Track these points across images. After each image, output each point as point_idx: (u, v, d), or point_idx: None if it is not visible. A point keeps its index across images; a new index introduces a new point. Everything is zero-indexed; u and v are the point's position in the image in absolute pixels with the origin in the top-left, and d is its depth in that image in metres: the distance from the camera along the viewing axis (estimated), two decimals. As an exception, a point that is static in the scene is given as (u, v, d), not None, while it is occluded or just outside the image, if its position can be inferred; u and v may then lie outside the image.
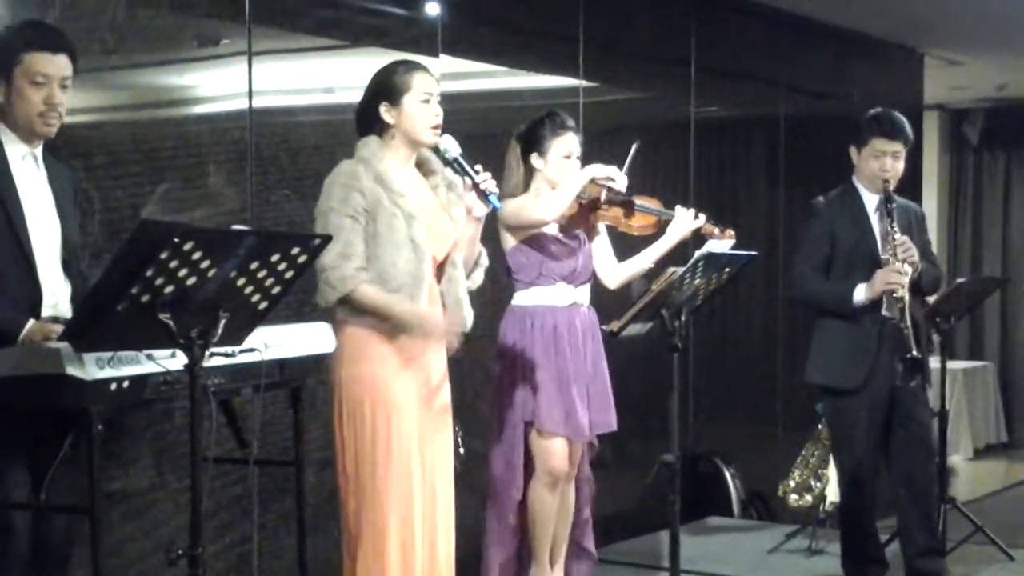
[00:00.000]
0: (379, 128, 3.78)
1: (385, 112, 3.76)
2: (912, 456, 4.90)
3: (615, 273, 4.60)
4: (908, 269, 4.70)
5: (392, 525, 3.67)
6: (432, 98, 3.76)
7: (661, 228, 4.55)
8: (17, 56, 3.27)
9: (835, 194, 4.99)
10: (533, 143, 4.43)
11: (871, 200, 4.89)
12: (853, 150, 4.92)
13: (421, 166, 3.88)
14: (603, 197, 4.42)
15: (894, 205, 4.78)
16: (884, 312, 4.75)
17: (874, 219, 4.87)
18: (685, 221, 4.48)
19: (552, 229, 4.44)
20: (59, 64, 3.31)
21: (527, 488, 4.43)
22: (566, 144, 4.41)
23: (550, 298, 4.41)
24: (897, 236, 4.72)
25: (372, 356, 3.70)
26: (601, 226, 4.58)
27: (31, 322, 3.21)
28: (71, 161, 3.75)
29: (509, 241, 4.42)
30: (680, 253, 4.59)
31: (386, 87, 3.77)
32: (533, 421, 4.37)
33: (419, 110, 3.74)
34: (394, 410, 3.69)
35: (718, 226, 4.48)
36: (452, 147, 3.75)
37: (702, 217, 4.51)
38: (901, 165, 4.88)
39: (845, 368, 4.84)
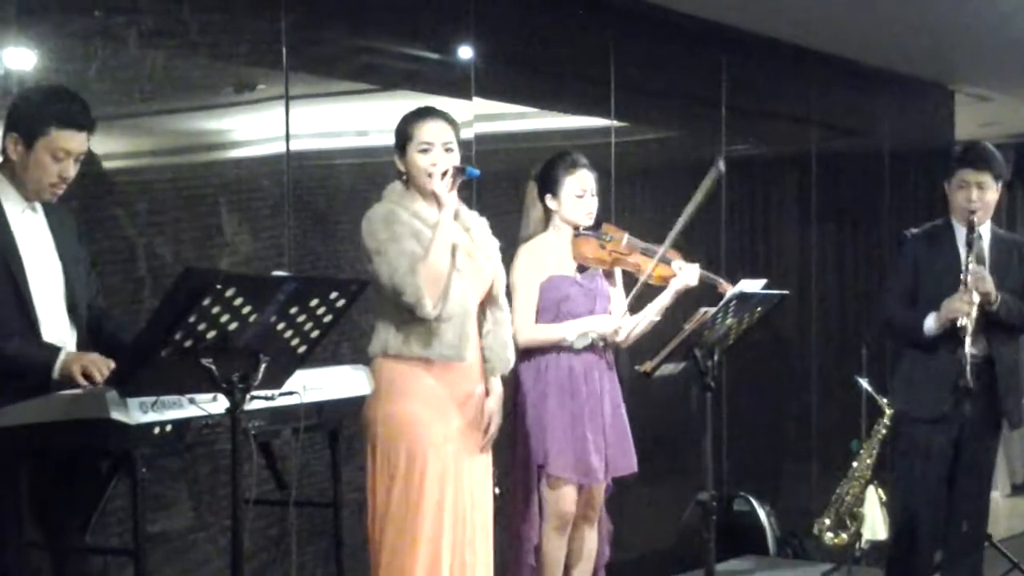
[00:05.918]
0: (399, 175, 3.85)
1: (398, 161, 3.84)
2: (963, 495, 4.86)
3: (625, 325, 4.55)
4: (976, 298, 4.63)
5: (421, 564, 3.69)
6: (432, 147, 3.77)
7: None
8: (45, 128, 3.27)
9: (928, 226, 4.95)
10: (548, 183, 4.44)
11: (963, 234, 4.78)
12: (945, 185, 4.87)
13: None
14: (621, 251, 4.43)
15: (976, 235, 4.71)
16: (966, 351, 4.62)
17: (963, 252, 4.74)
18: (690, 274, 4.43)
19: (569, 271, 4.43)
20: (81, 141, 3.32)
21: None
22: (579, 182, 4.41)
23: None
24: (972, 266, 4.66)
25: (410, 393, 3.73)
26: (618, 276, 4.56)
27: (64, 354, 3.21)
28: (113, 210, 3.80)
29: None
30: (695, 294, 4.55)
31: (397, 136, 3.85)
32: (544, 465, 4.37)
33: (418, 159, 3.78)
34: (430, 450, 3.72)
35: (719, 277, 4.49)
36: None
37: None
38: (990, 196, 4.78)
39: (925, 396, 4.79)
